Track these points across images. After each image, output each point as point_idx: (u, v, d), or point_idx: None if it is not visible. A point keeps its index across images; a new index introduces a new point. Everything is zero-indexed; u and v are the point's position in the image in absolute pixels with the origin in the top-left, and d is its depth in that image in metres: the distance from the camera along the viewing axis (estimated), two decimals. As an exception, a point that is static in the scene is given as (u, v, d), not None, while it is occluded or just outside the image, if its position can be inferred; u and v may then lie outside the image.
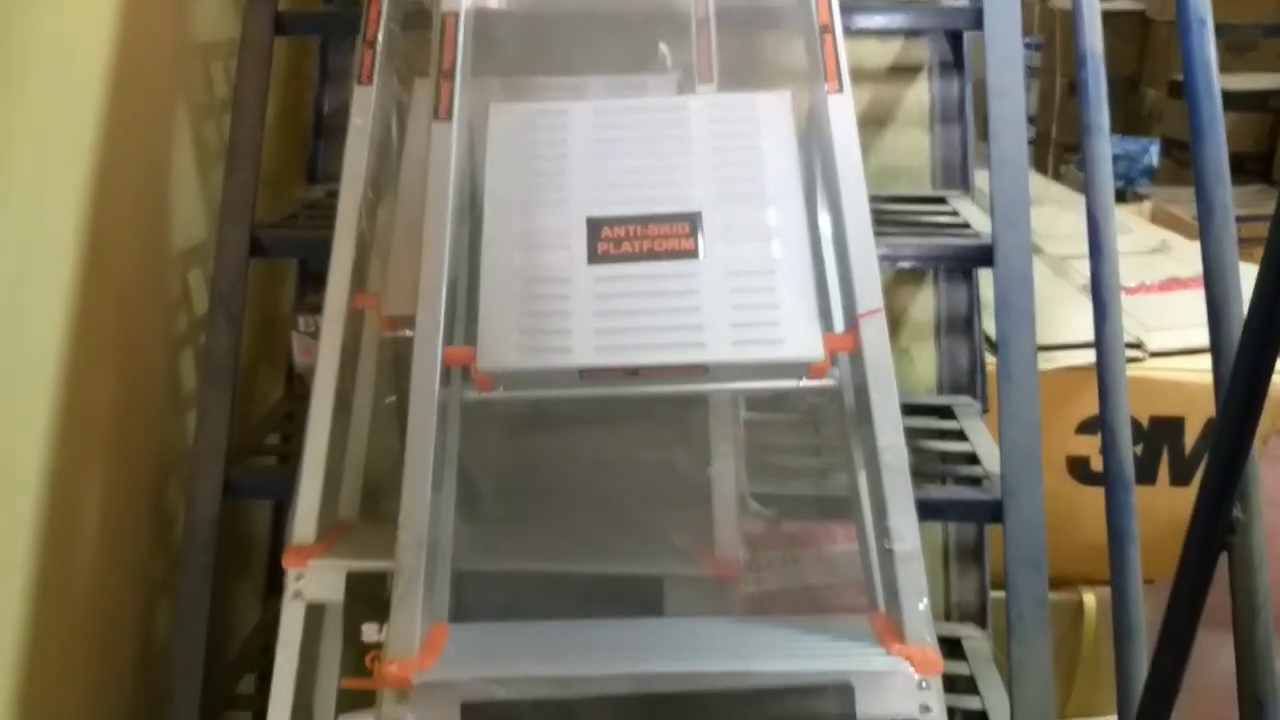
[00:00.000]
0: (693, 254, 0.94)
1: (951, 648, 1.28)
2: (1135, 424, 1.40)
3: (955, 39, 1.44)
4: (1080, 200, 1.17)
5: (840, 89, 0.99)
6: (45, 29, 1.01)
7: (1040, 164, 3.53)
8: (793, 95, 1.04)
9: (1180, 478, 1.52)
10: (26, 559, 1.02)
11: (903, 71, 1.46)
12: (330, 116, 1.51)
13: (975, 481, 1.19)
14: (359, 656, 0.92)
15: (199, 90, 1.34)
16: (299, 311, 1.34)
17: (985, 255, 1.18)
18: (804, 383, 0.92)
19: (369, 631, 0.85)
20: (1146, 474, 1.50)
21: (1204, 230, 0.97)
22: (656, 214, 0.96)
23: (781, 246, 0.95)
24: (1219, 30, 1.03)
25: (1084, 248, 1.16)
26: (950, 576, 1.37)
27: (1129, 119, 3.58)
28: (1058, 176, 3.24)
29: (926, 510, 0.91)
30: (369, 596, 0.93)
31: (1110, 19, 1.26)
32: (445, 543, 0.91)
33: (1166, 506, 1.30)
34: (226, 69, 1.37)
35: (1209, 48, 1.00)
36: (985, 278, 1.35)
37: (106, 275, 1.12)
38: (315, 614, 0.97)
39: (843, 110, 0.98)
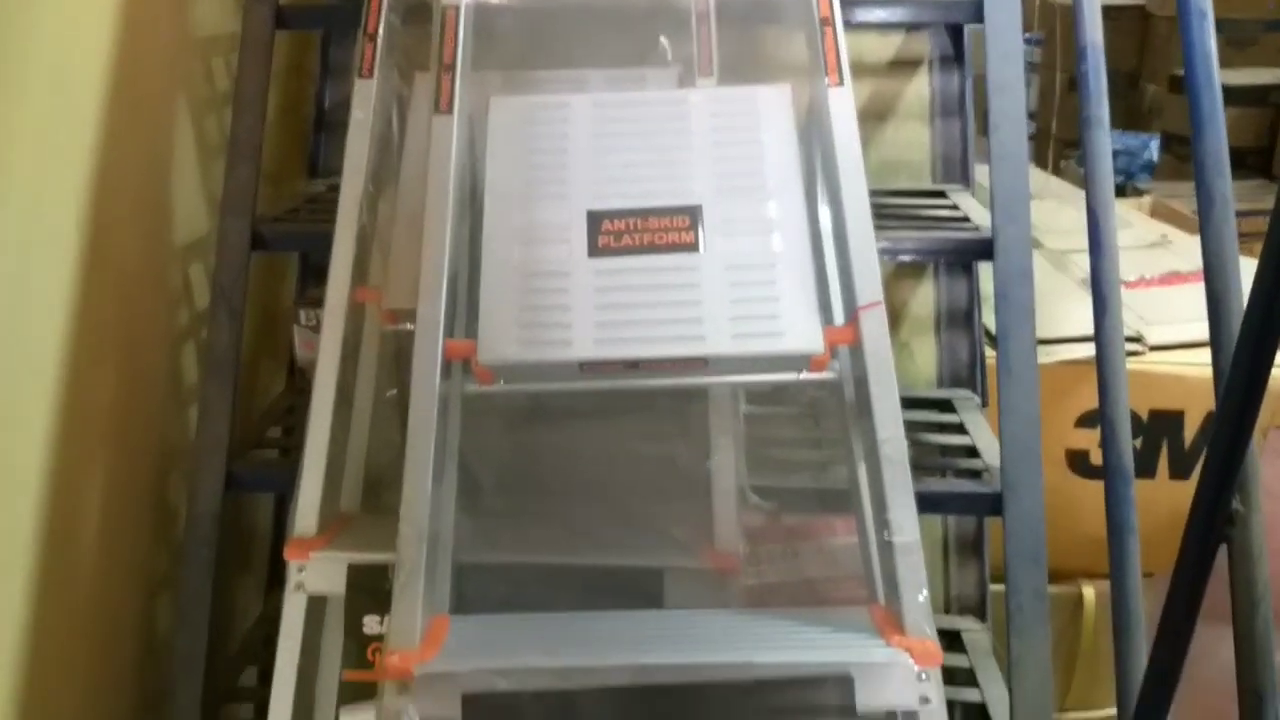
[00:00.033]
0: (693, 247, 0.94)
1: (951, 640, 1.28)
2: (1135, 417, 1.40)
3: (956, 33, 1.44)
4: (1080, 195, 1.17)
5: (841, 82, 0.99)
6: (45, 27, 1.01)
7: (1040, 159, 3.53)
8: (793, 89, 1.03)
9: (1180, 471, 1.52)
10: (27, 557, 1.02)
11: (903, 65, 1.46)
12: (331, 110, 1.51)
13: (975, 475, 1.19)
14: (360, 648, 0.93)
15: (200, 84, 1.34)
16: (300, 305, 1.34)
17: (985, 249, 1.18)
18: (804, 376, 0.92)
19: (370, 623, 0.86)
20: (1146, 467, 1.50)
21: (1204, 222, 0.97)
22: (657, 207, 0.96)
23: (781, 240, 0.95)
24: (1219, 25, 1.03)
25: (1084, 242, 1.16)
26: (950, 569, 1.38)
27: (1129, 114, 3.58)
28: (1058, 172, 3.24)
29: (926, 503, 0.91)
30: (370, 589, 0.94)
31: (1110, 14, 1.27)
32: (446, 535, 0.91)
33: (1166, 500, 1.30)
34: (227, 63, 1.37)
35: (1209, 40, 1.00)
36: (985, 271, 1.34)
37: (107, 271, 1.12)
38: (317, 606, 0.97)
39: (843, 104, 0.98)
